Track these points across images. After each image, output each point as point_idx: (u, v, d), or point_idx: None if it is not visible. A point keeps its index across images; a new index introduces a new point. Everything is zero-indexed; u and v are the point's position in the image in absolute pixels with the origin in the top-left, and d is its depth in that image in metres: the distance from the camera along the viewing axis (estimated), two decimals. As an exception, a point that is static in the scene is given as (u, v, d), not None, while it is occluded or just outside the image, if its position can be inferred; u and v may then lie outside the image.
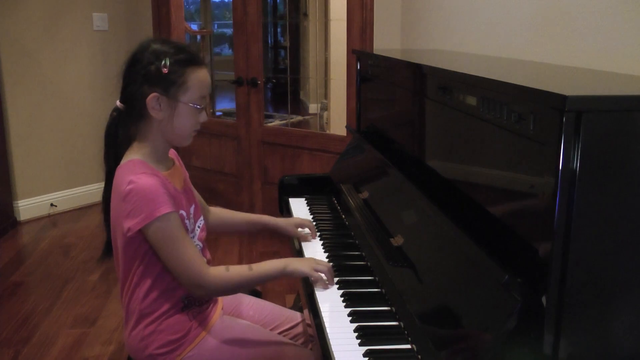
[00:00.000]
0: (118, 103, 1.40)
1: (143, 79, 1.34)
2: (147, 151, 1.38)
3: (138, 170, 1.32)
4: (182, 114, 1.35)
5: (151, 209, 1.28)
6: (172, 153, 1.52)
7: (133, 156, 1.37)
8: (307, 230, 1.76)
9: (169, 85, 1.33)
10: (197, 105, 1.36)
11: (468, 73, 1.23)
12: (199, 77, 1.36)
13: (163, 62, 1.32)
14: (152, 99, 1.33)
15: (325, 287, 1.42)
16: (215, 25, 8.56)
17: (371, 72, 2.03)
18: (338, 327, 1.26)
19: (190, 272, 1.32)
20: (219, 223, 1.70)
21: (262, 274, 1.41)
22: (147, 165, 1.36)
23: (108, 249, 1.45)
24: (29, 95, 3.86)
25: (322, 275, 1.43)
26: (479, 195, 1.20)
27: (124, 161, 1.38)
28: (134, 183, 1.29)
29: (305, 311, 1.42)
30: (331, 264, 1.56)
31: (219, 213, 1.71)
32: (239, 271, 1.39)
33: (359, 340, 1.20)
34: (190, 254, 1.32)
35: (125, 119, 1.39)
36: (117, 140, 1.41)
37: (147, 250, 1.34)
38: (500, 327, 0.92)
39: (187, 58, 1.35)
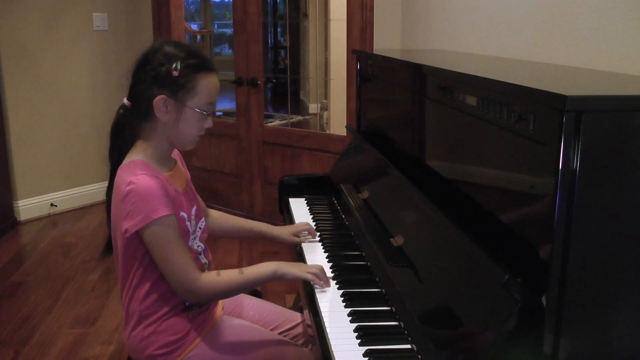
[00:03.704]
0: (125, 100, 1.40)
1: (152, 79, 1.33)
2: (150, 151, 1.38)
3: (138, 171, 1.32)
4: (187, 118, 1.35)
5: (149, 211, 1.28)
6: (176, 154, 1.51)
7: (135, 156, 1.37)
8: (305, 233, 1.75)
9: (178, 89, 1.33)
10: (203, 111, 1.36)
11: (468, 73, 1.23)
12: (209, 83, 1.36)
13: (174, 65, 1.32)
14: (159, 101, 1.33)
15: (323, 286, 1.42)
16: (215, 25, 8.57)
17: (371, 72, 2.03)
18: (338, 327, 1.26)
19: (182, 278, 1.32)
20: (216, 227, 1.69)
21: (254, 278, 1.40)
22: (148, 166, 1.36)
23: (108, 247, 1.45)
24: (29, 95, 3.86)
25: (316, 276, 1.43)
26: (479, 195, 1.20)
27: (125, 161, 1.38)
28: (134, 184, 1.29)
29: (305, 311, 1.42)
30: (330, 264, 1.56)
31: (218, 218, 1.71)
32: (230, 276, 1.38)
33: (359, 340, 1.20)
34: (183, 259, 1.32)
35: (131, 117, 1.39)
36: (122, 137, 1.41)
37: (146, 251, 1.34)
38: (500, 327, 0.92)
39: (199, 63, 1.35)
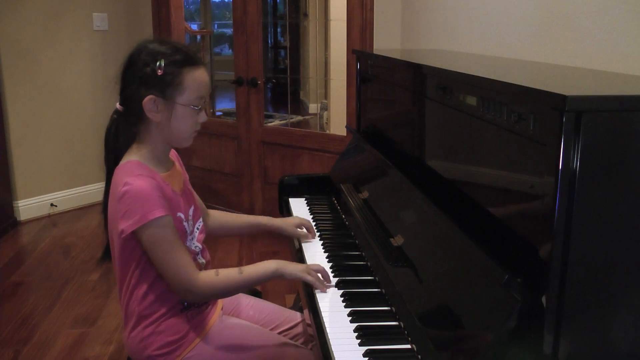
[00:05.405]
0: (118, 105, 1.39)
1: (139, 81, 1.33)
2: (146, 152, 1.38)
3: (134, 172, 1.32)
4: (179, 115, 1.35)
5: (145, 212, 1.28)
6: (173, 154, 1.51)
7: (131, 157, 1.37)
8: (305, 230, 1.75)
9: (165, 87, 1.32)
10: (194, 106, 1.35)
11: (468, 73, 1.23)
12: (196, 78, 1.35)
13: (158, 64, 1.31)
14: (149, 102, 1.32)
15: (323, 289, 1.41)
16: (215, 25, 8.56)
17: (371, 72, 2.03)
18: (338, 327, 1.26)
19: (180, 277, 1.31)
20: (218, 227, 1.69)
21: (253, 277, 1.40)
22: (145, 166, 1.35)
23: (107, 253, 1.45)
24: (29, 95, 3.86)
25: (319, 275, 1.43)
26: (479, 195, 1.20)
27: (122, 162, 1.37)
28: (129, 185, 1.29)
29: (305, 311, 1.42)
30: (330, 264, 1.56)
31: (218, 217, 1.70)
32: (228, 275, 1.38)
33: (359, 340, 1.20)
34: (180, 258, 1.31)
35: (125, 121, 1.38)
36: (116, 142, 1.40)
37: (143, 252, 1.33)
38: (500, 327, 0.92)
39: (183, 58, 1.34)
